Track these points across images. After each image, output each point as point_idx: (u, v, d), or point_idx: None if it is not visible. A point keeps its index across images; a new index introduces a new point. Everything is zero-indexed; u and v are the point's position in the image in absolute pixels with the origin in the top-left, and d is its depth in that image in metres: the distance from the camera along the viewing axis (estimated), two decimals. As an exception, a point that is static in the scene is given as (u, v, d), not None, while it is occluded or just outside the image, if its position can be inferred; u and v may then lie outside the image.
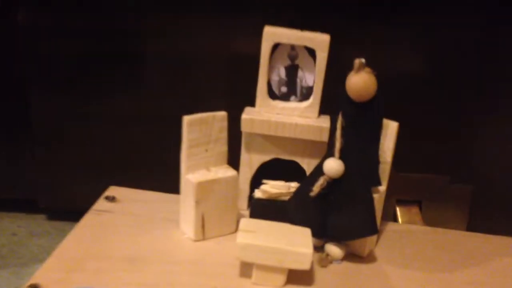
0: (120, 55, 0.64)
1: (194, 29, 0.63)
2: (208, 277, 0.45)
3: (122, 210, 0.54)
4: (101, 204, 0.55)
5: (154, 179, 0.60)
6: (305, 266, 0.43)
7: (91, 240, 0.48)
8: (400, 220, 0.72)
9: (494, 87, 0.66)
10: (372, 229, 0.48)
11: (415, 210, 0.74)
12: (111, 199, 0.55)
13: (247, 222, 0.46)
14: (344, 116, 0.47)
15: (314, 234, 0.47)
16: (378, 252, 0.52)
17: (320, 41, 0.51)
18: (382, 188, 0.51)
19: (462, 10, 0.62)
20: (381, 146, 0.49)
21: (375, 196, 0.49)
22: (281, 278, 0.44)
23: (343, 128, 0.48)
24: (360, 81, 0.46)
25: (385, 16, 0.62)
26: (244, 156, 0.56)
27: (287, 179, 0.54)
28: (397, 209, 0.74)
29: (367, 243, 0.50)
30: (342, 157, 0.47)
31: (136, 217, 0.53)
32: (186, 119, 0.48)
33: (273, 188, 0.55)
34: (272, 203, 0.54)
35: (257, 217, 0.54)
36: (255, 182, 0.56)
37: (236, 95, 0.58)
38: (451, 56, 0.65)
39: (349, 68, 0.46)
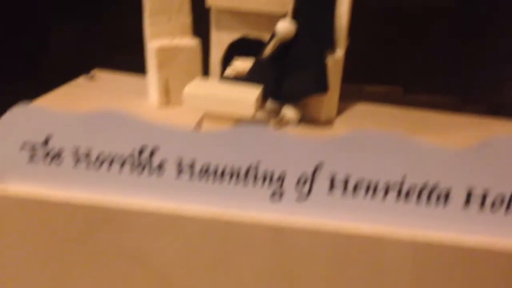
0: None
1: None
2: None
3: (97, 86, 0.57)
4: (76, 81, 0.58)
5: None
6: (250, 112, 0.45)
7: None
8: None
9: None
10: (321, 87, 0.49)
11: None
12: (90, 77, 0.58)
13: (199, 80, 0.48)
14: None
15: (269, 95, 0.49)
16: (339, 119, 0.53)
17: None
18: (338, 54, 0.51)
19: None
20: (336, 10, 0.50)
21: (330, 60, 0.49)
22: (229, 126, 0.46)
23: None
24: None
25: None
26: (214, 35, 0.57)
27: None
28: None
29: (323, 107, 0.51)
30: (295, 19, 0.48)
31: (110, 91, 0.56)
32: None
33: (242, 64, 0.56)
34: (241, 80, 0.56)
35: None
36: (226, 64, 0.58)
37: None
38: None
39: None
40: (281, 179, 0.36)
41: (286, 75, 0.49)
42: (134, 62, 0.63)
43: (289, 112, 0.50)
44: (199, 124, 0.47)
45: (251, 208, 0.37)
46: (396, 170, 0.34)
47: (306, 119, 0.51)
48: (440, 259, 0.35)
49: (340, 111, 0.54)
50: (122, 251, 0.39)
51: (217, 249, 0.38)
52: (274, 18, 0.55)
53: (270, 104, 0.51)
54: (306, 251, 0.37)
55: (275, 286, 0.38)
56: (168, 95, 0.53)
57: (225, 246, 0.38)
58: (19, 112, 0.37)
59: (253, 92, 0.45)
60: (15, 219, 0.40)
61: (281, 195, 0.37)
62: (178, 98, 0.53)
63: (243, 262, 0.38)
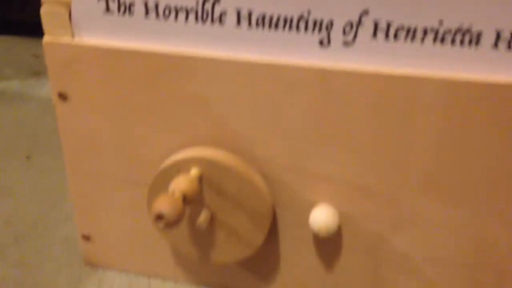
0: None
1: None
2: None
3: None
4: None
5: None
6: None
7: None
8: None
9: None
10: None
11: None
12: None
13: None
14: None
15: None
16: None
17: None
18: None
19: None
20: None
21: None
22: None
23: None
24: None
25: None
26: None
27: None
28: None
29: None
30: None
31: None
32: None
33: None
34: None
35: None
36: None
37: None
38: None
39: None
40: (329, 26, 0.41)
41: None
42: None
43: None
44: None
45: (302, 54, 0.42)
46: (433, 15, 0.39)
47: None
48: (470, 96, 0.40)
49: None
50: (185, 96, 0.45)
51: (271, 92, 0.43)
52: None
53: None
54: (351, 92, 0.42)
55: (323, 124, 0.43)
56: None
57: (278, 90, 0.43)
58: (97, -34, 0.42)
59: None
60: (91, 67, 0.45)
61: (329, 41, 0.41)
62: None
63: (295, 104, 0.43)
